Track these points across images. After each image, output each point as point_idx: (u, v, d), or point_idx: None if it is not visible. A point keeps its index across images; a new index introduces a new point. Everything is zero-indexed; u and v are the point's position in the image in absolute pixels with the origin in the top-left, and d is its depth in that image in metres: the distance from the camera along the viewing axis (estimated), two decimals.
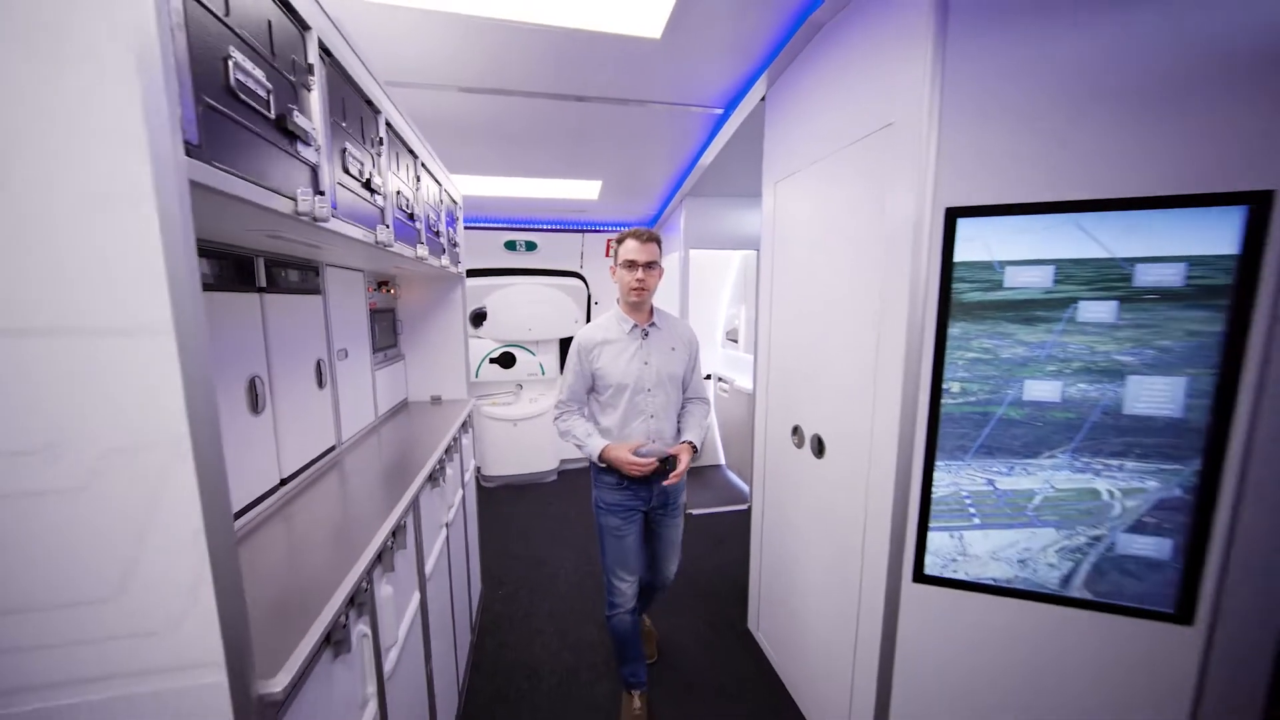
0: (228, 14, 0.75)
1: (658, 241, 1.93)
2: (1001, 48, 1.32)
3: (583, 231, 4.75)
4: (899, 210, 1.49)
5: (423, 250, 1.89)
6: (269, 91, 0.84)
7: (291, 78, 0.94)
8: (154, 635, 0.67)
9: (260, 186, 0.81)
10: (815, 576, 2.04)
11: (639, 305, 1.97)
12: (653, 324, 2.01)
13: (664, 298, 4.55)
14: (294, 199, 0.91)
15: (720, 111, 2.62)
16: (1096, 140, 1.26)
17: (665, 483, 1.93)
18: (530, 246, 4.78)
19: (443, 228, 2.35)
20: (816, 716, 2.08)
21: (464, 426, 2.59)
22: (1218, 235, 1.17)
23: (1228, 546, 1.27)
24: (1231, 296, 1.18)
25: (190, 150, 0.65)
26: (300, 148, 0.95)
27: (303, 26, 0.99)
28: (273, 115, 0.85)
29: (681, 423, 2.09)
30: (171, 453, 0.64)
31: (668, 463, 1.96)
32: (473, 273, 4.64)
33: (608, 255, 4.90)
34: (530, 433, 4.74)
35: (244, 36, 0.78)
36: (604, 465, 1.96)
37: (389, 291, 2.66)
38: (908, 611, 1.61)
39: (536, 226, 4.71)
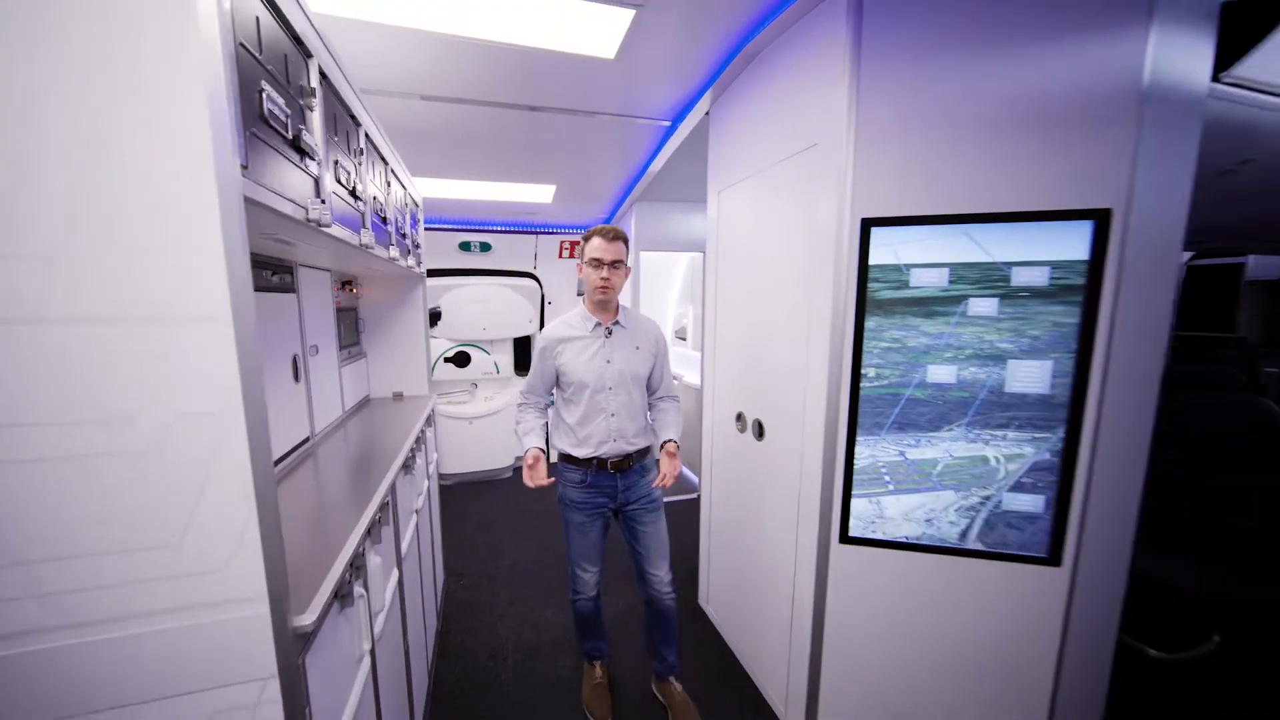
0: (260, 52, 0.88)
1: (624, 240, 1.93)
2: (905, 83, 1.56)
3: (536, 233, 4.87)
4: (823, 219, 1.72)
5: (394, 251, 2.00)
6: (287, 116, 0.97)
7: (300, 101, 1.07)
8: (209, 574, 0.81)
9: (284, 198, 0.95)
10: (757, 548, 2.27)
11: (604, 303, 1.98)
12: (617, 323, 2.00)
13: (626, 298, 4.72)
14: (306, 208, 1.04)
15: (668, 124, 2.81)
16: (981, 163, 1.52)
17: (655, 484, 1.95)
18: (485, 247, 4.86)
19: (408, 229, 2.46)
20: (760, 676, 2.31)
21: (429, 420, 2.70)
22: (1072, 244, 1.45)
23: (1086, 500, 1.55)
24: (1084, 294, 1.46)
25: (241, 171, 0.79)
26: (308, 162, 1.08)
27: (306, 55, 1.12)
28: (290, 136, 0.99)
29: (656, 423, 2.09)
30: (228, 419, 0.78)
31: (631, 459, 2.01)
32: (428, 273, 4.70)
33: (560, 256, 5.04)
34: (486, 430, 4.83)
35: (271, 70, 0.92)
36: (568, 462, 2.03)
37: (352, 291, 2.74)
38: (836, 570, 1.84)
39: (491, 228, 4.81)
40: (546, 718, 2.21)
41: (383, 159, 1.94)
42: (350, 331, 2.67)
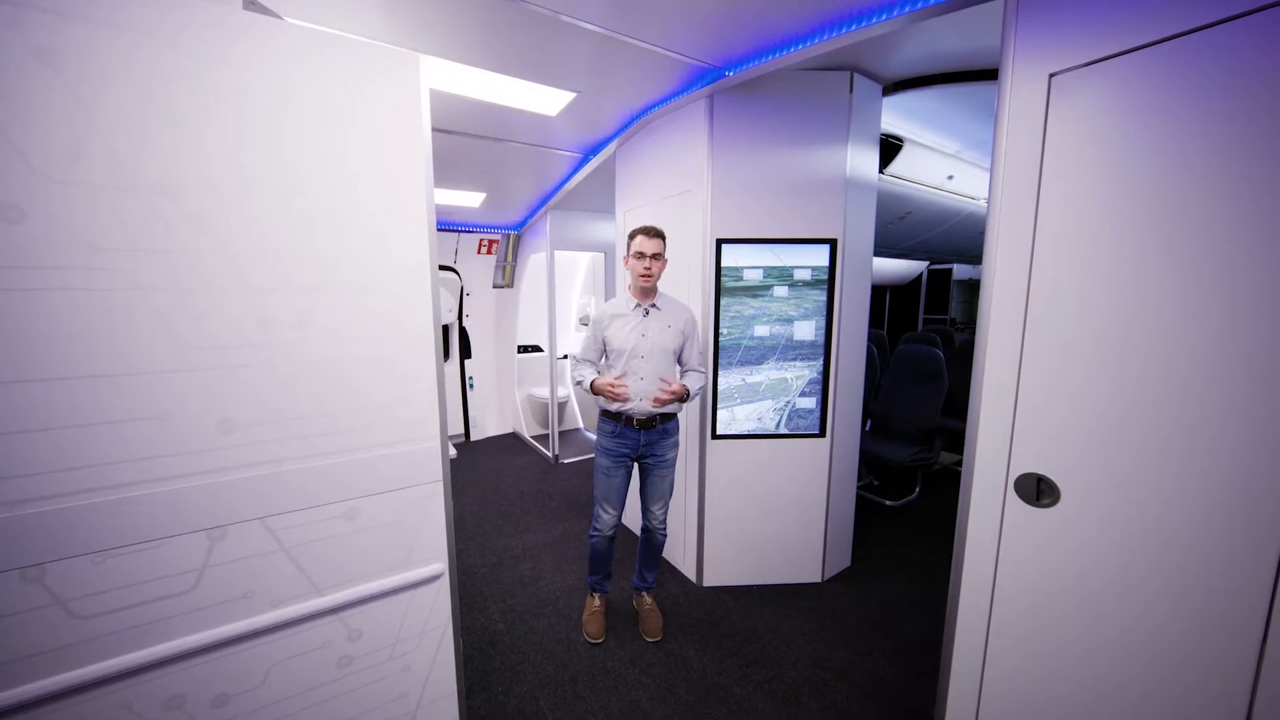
0: None
1: (662, 237, 2.34)
2: (737, 160, 2.67)
3: (458, 231, 5.57)
4: (696, 237, 2.81)
5: None
6: None
7: None
8: (414, 422, 1.69)
9: None
10: None
11: (646, 289, 2.39)
12: (654, 305, 2.41)
13: (536, 290, 5.59)
14: None
15: (580, 156, 3.77)
16: (775, 209, 2.67)
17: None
18: None
19: None
20: (671, 552, 3.38)
21: None
22: (821, 256, 2.65)
23: (835, 399, 2.79)
24: (828, 284, 2.67)
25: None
26: None
27: None
28: None
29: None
30: (427, 340, 1.67)
31: (655, 421, 2.43)
32: None
33: (479, 253, 5.79)
34: None
35: None
36: (604, 416, 2.47)
37: None
38: (710, 458, 2.95)
39: None
40: (518, 603, 2.94)
41: None
42: None
